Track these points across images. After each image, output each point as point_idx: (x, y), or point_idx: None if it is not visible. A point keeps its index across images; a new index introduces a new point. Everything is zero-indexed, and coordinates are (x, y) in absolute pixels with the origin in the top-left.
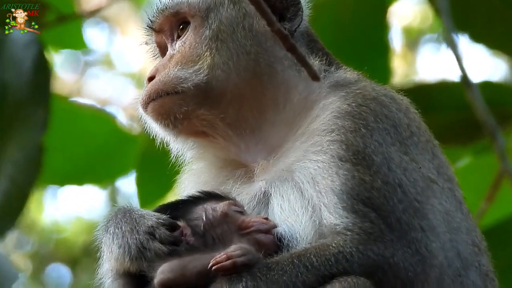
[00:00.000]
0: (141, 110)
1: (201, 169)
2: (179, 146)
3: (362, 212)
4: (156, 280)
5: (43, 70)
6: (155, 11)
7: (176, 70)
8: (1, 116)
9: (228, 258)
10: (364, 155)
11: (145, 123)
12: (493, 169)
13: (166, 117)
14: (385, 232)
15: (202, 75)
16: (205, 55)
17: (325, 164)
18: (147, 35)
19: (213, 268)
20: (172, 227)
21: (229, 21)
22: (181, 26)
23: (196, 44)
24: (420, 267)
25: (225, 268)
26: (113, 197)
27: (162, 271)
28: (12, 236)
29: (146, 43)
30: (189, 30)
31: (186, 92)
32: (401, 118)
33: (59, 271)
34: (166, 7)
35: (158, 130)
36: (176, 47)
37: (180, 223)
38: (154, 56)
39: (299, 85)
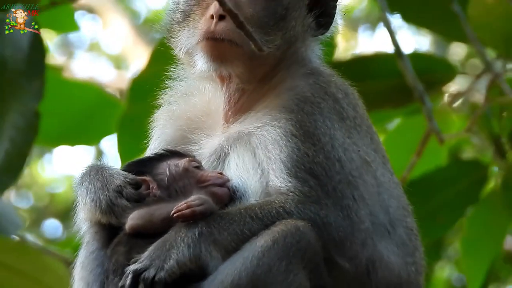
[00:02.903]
0: (197, 37)
1: (180, 113)
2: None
3: (303, 179)
4: (127, 226)
5: (38, 47)
6: None
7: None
8: (2, 86)
9: (188, 207)
10: (313, 134)
11: (186, 49)
12: (422, 128)
13: (221, 60)
14: (322, 197)
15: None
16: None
17: (278, 136)
18: None
19: (175, 215)
20: (138, 185)
21: None
22: None
23: (270, 12)
24: (349, 229)
25: (185, 216)
26: (99, 157)
27: (132, 218)
28: (13, 193)
29: None
30: None
31: (249, 51)
32: (349, 112)
33: (53, 225)
34: None
35: (201, 62)
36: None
37: (147, 177)
38: None
39: (286, 64)
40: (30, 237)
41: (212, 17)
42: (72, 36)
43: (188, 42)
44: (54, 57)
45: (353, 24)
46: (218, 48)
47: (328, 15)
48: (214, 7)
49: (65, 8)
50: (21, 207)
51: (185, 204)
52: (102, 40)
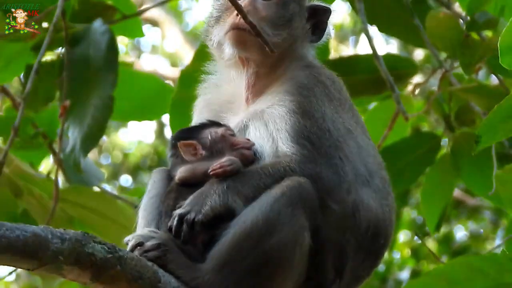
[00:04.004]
0: (225, 29)
1: (213, 100)
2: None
3: (302, 144)
4: (176, 177)
5: (113, 48)
6: None
7: (267, 28)
8: (88, 77)
9: (221, 167)
10: (309, 112)
11: (217, 41)
12: (392, 109)
13: (243, 45)
14: (317, 158)
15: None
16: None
17: (283, 113)
18: None
19: (211, 173)
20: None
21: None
22: None
23: (280, 16)
24: (337, 181)
25: (217, 173)
26: (161, 128)
27: (180, 171)
28: (96, 154)
29: None
30: (273, 1)
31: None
32: (335, 94)
33: (126, 179)
34: None
35: (227, 48)
36: (261, 6)
37: (194, 142)
38: None
39: (288, 60)
40: (108, 187)
41: (237, 14)
42: (141, 41)
43: (219, 34)
44: (128, 55)
45: (345, 35)
46: (240, 35)
47: (321, 28)
48: None
49: (134, 20)
50: (103, 164)
51: (218, 165)
52: (161, 43)
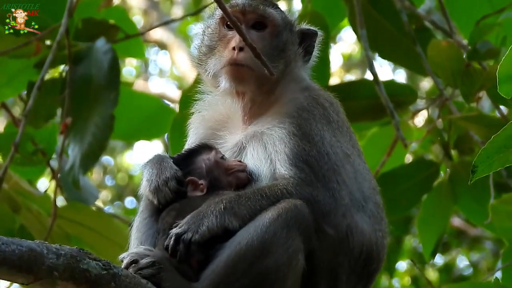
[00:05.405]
0: (222, 63)
1: (209, 117)
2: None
3: (301, 167)
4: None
5: (115, 67)
6: (253, 5)
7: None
8: (89, 95)
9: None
10: (308, 135)
11: (213, 73)
12: (391, 135)
13: (240, 81)
14: (314, 181)
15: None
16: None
17: (283, 135)
18: (233, 10)
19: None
20: (181, 182)
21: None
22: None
23: (274, 46)
24: (333, 205)
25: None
26: (167, 150)
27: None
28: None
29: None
30: (267, 32)
31: (262, 74)
32: (334, 116)
33: (130, 201)
34: (264, 9)
35: (224, 82)
36: (255, 37)
37: (192, 178)
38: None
39: (284, 81)
40: (112, 209)
41: (233, 48)
42: (150, 63)
43: (215, 67)
44: (138, 77)
45: (353, 65)
46: (239, 71)
47: (311, 51)
48: (235, 41)
49: (137, 41)
50: (108, 185)
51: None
52: (170, 67)
